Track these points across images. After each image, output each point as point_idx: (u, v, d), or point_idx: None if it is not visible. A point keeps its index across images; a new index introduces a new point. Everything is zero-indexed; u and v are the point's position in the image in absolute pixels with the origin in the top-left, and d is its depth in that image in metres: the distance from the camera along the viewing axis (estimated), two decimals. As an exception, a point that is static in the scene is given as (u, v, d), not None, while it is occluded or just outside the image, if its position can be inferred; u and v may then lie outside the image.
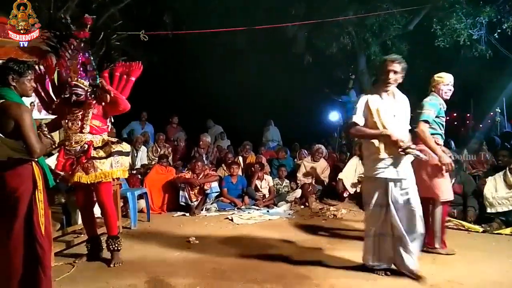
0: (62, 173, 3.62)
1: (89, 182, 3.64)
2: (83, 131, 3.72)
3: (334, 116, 11.68)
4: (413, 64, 10.88)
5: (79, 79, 3.69)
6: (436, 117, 3.85)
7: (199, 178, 6.21)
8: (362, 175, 6.53)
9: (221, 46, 10.74)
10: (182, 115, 9.77)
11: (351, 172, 6.68)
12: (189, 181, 6.16)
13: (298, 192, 6.70)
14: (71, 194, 4.28)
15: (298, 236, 4.75)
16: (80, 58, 3.72)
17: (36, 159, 2.68)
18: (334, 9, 9.23)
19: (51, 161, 3.62)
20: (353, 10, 9.10)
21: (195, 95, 12.15)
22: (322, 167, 7.12)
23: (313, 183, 6.94)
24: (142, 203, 5.85)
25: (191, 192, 6.11)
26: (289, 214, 6.00)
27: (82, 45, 3.74)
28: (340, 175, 6.68)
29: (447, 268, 3.59)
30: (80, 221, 4.96)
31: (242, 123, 12.05)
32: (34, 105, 5.17)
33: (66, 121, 3.72)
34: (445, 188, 3.88)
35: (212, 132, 9.58)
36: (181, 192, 6.11)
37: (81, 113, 3.72)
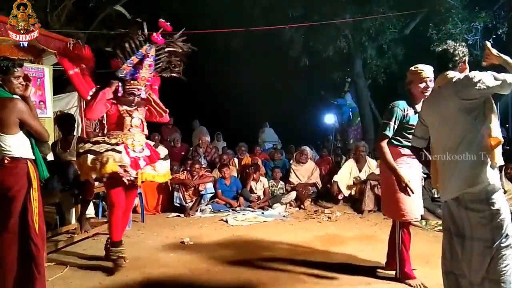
0: (134, 171, 3.55)
1: (162, 182, 3.82)
2: (144, 131, 3.79)
3: (329, 118, 11.70)
4: (408, 68, 11.02)
5: (142, 83, 3.74)
6: (404, 124, 3.20)
7: (194, 179, 6.20)
8: (358, 178, 6.60)
9: (218, 47, 10.74)
10: (176, 116, 9.75)
11: (346, 174, 6.70)
12: (184, 182, 6.15)
13: (293, 194, 6.71)
14: (65, 194, 4.27)
15: (292, 238, 4.75)
16: (150, 65, 3.73)
17: (31, 158, 2.68)
18: (331, 12, 9.27)
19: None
20: (350, 14, 9.14)
21: (190, 95, 12.14)
22: (310, 169, 7.10)
23: (308, 185, 6.93)
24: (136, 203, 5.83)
25: (185, 193, 6.10)
26: (283, 216, 6.00)
27: (152, 49, 3.72)
28: (335, 178, 6.69)
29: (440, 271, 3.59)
30: (73, 221, 4.95)
31: (238, 125, 12.05)
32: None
33: (129, 118, 3.68)
34: (408, 208, 3.23)
35: (197, 133, 9.54)
36: (175, 193, 6.10)
37: (141, 112, 3.78)
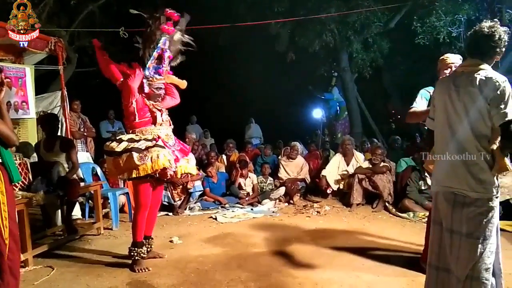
0: (174, 165, 3.54)
1: (193, 174, 3.84)
2: (171, 124, 3.79)
3: (317, 113, 11.75)
4: (394, 61, 11.11)
5: (164, 77, 3.72)
6: None
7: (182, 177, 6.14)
8: (345, 172, 6.62)
9: (204, 43, 10.65)
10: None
11: (334, 169, 6.73)
12: (172, 180, 6.08)
13: (282, 190, 6.70)
14: (49, 195, 4.19)
15: (282, 234, 4.75)
16: (168, 57, 3.70)
17: None
18: (316, 6, 9.27)
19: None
20: (335, 8, 9.15)
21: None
22: (299, 164, 7.08)
23: (296, 180, 6.93)
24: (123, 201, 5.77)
25: (174, 191, 6.04)
26: (273, 212, 6.00)
27: (167, 42, 3.66)
28: (324, 172, 6.71)
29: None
30: (59, 222, 4.88)
31: (226, 121, 12.02)
32: (10, 105, 5.04)
33: (160, 113, 3.66)
34: None
35: (191, 129, 9.52)
36: (163, 192, 6.01)
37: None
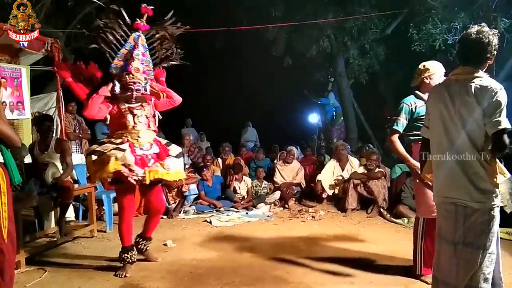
0: (141, 170, 3.38)
1: (171, 180, 3.62)
2: (150, 127, 3.63)
3: (313, 118, 11.76)
4: (390, 67, 11.15)
5: (138, 76, 3.56)
6: (416, 118, 3.24)
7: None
8: (340, 177, 6.63)
9: (201, 47, 10.67)
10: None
11: (329, 174, 6.74)
12: (167, 183, 6.06)
13: (277, 194, 6.70)
14: (43, 197, 4.16)
15: (276, 238, 4.74)
16: (142, 54, 3.57)
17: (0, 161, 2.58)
18: (313, 12, 9.31)
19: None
20: (332, 14, 9.19)
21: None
22: (295, 169, 7.10)
23: (292, 185, 6.93)
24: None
25: (168, 194, 6.03)
26: (268, 216, 5.99)
27: (140, 38, 3.56)
28: (319, 177, 6.72)
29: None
30: (52, 224, 4.84)
31: (222, 125, 12.00)
32: (6, 105, 5.01)
33: (131, 116, 3.51)
34: (425, 203, 3.14)
35: (186, 132, 9.50)
36: (158, 195, 6.01)
37: (146, 108, 3.61)
